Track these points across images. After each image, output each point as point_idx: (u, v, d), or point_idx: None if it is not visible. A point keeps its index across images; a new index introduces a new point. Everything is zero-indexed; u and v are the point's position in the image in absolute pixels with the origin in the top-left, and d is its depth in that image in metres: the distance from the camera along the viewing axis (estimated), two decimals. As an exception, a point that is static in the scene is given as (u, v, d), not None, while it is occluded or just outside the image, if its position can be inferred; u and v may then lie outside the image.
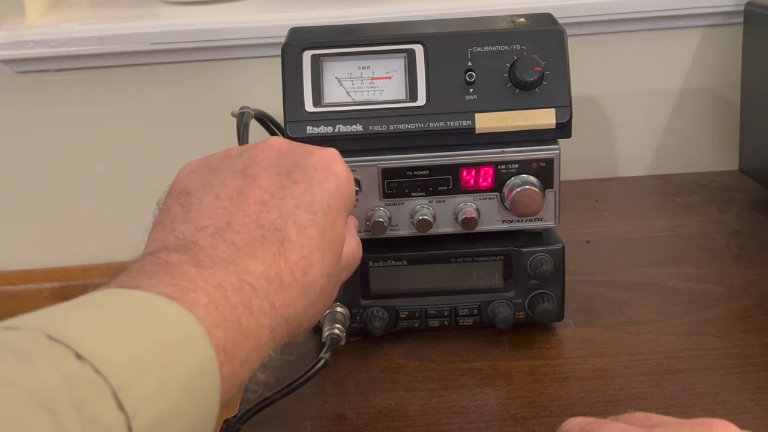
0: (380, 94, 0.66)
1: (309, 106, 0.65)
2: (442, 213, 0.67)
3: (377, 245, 0.69)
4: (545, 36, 0.66)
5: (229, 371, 0.39)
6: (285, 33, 0.69)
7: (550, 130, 0.65)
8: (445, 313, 0.69)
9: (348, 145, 0.65)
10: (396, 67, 0.66)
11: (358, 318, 0.69)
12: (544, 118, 0.65)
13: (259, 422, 0.61)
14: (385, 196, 0.67)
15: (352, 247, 0.54)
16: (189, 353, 0.37)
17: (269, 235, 0.45)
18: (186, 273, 0.41)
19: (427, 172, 0.66)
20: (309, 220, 0.46)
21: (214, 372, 0.38)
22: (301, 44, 0.66)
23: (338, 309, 0.68)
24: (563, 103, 0.65)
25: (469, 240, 0.69)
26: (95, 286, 0.42)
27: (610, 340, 0.70)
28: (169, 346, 0.37)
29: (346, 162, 0.65)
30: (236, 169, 0.48)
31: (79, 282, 1.04)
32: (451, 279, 0.69)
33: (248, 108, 0.85)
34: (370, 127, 0.65)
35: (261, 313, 0.42)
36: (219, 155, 0.51)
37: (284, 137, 0.67)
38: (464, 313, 0.70)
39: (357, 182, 0.66)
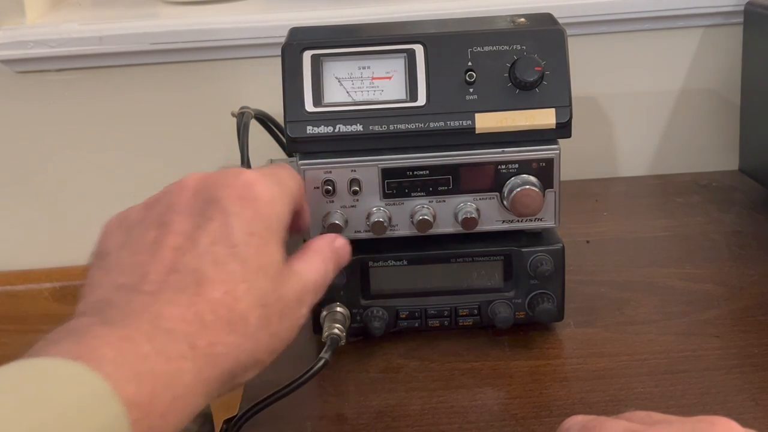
0: (380, 94, 0.66)
1: (309, 106, 0.65)
2: (442, 213, 0.67)
3: (377, 245, 0.69)
4: (545, 36, 0.66)
5: (146, 426, 0.37)
6: (285, 33, 0.69)
7: (550, 130, 0.65)
8: (445, 313, 0.69)
9: (348, 145, 0.65)
10: (396, 67, 0.66)
11: (358, 318, 0.69)
12: (544, 118, 0.65)
13: (259, 422, 0.61)
14: (385, 196, 0.67)
15: (312, 268, 0.51)
16: (95, 415, 0.35)
17: (185, 278, 0.43)
18: (93, 332, 0.39)
19: (427, 172, 0.66)
20: (228, 254, 0.44)
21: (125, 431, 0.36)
22: (301, 44, 0.66)
23: (338, 309, 0.68)
24: (563, 103, 0.65)
25: (469, 240, 0.69)
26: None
27: (610, 340, 0.70)
28: (72, 411, 0.35)
29: (346, 162, 0.66)
30: (152, 221, 0.47)
31: (79, 282, 1.03)
32: (451, 279, 0.69)
33: (248, 108, 0.85)
34: (370, 127, 0.65)
35: (180, 357, 0.40)
36: (138, 207, 0.50)
37: (284, 137, 0.67)
38: (464, 313, 0.70)
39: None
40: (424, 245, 0.69)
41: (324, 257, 0.53)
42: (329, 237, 0.54)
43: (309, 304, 0.50)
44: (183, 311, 0.41)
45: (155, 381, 0.39)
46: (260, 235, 0.46)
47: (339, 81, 0.66)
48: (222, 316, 0.43)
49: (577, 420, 0.45)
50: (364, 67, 0.66)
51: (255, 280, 0.45)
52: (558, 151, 0.66)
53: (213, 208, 0.46)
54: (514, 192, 0.65)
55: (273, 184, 0.49)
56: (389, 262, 0.69)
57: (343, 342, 0.66)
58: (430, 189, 0.66)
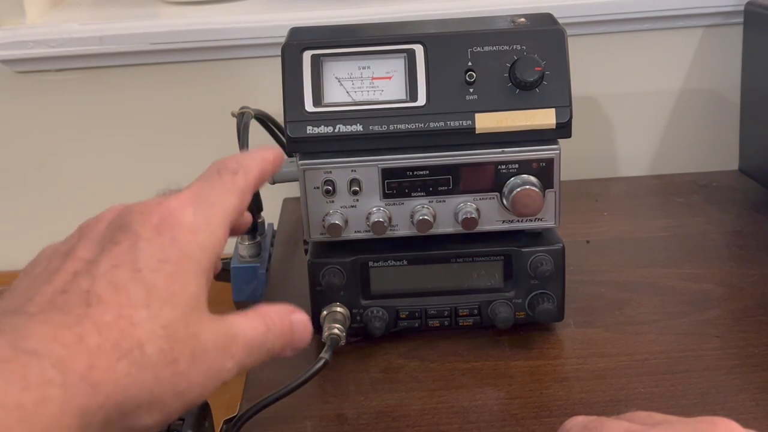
0: (380, 94, 0.66)
1: (309, 106, 0.65)
2: (442, 213, 0.67)
3: (377, 245, 0.69)
4: (545, 36, 0.66)
5: None
6: (285, 33, 0.69)
7: (550, 130, 0.65)
8: (445, 313, 0.69)
9: (348, 145, 0.65)
10: (396, 67, 0.66)
11: (358, 318, 0.69)
12: (544, 118, 0.65)
13: (259, 422, 0.61)
14: (385, 196, 0.66)
15: (249, 324, 0.44)
16: None
17: (73, 299, 0.38)
18: None
19: (427, 172, 0.66)
20: (131, 278, 0.39)
21: None
22: (301, 44, 0.66)
23: (338, 309, 0.68)
24: (563, 103, 0.65)
25: (469, 240, 0.69)
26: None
27: (610, 340, 0.70)
28: None
29: (346, 162, 0.66)
30: (62, 251, 0.43)
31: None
32: (451, 279, 0.69)
33: (248, 108, 0.85)
34: (370, 127, 0.65)
35: (44, 383, 0.34)
36: (66, 238, 0.46)
37: (284, 137, 0.67)
38: (464, 313, 0.70)
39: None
40: (424, 245, 0.69)
41: (268, 321, 0.45)
42: (286, 308, 0.47)
43: (237, 359, 0.43)
44: (59, 332, 0.36)
45: (4, 414, 0.32)
46: (175, 262, 0.41)
47: (339, 81, 0.66)
48: (111, 339, 0.37)
49: (578, 420, 0.45)
50: (364, 67, 0.66)
51: (160, 308, 0.39)
52: (558, 151, 0.66)
53: (122, 233, 0.41)
54: (514, 192, 0.65)
55: (201, 210, 0.43)
56: (389, 262, 0.69)
57: (343, 342, 0.66)
58: (430, 189, 0.66)
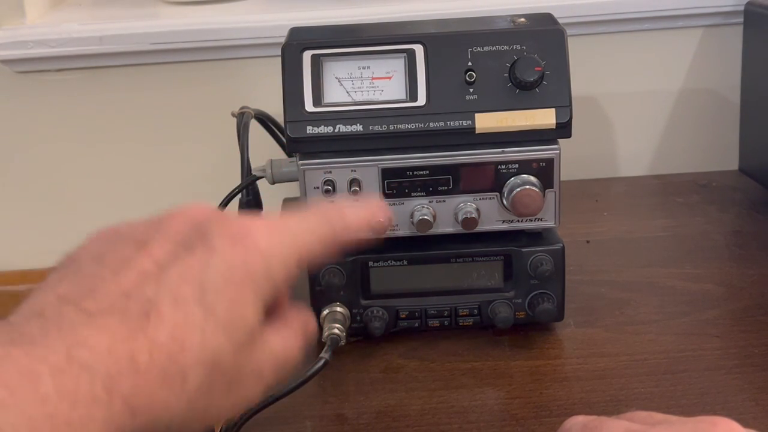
0: (380, 94, 0.66)
1: (309, 106, 0.65)
2: (442, 213, 0.67)
3: (377, 245, 0.69)
4: (545, 36, 0.66)
5: None
6: (285, 33, 0.69)
7: (550, 130, 0.65)
8: (445, 313, 0.69)
9: (348, 145, 0.65)
10: (396, 67, 0.66)
11: (358, 318, 0.69)
12: (544, 118, 0.65)
13: (259, 422, 0.61)
14: (385, 196, 0.66)
15: (285, 344, 0.43)
16: None
17: (134, 306, 0.36)
18: None
19: (427, 172, 0.66)
20: (193, 297, 0.38)
21: None
22: (301, 44, 0.66)
23: (338, 309, 0.68)
24: (563, 103, 0.65)
25: (469, 240, 0.69)
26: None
27: (610, 340, 0.70)
28: None
29: (346, 162, 0.66)
30: (136, 238, 0.41)
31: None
32: (451, 279, 0.69)
33: (248, 108, 0.85)
34: (370, 127, 0.65)
35: (91, 401, 0.33)
36: (134, 221, 0.43)
37: (284, 137, 0.67)
38: (464, 313, 0.70)
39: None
40: (424, 245, 0.69)
41: (291, 335, 0.44)
42: (307, 317, 0.46)
43: (267, 382, 0.42)
44: (114, 344, 0.35)
45: (52, 430, 0.32)
46: (238, 285, 0.39)
47: (339, 81, 0.66)
48: (159, 363, 0.36)
49: (577, 420, 0.45)
50: (364, 67, 0.66)
51: (214, 334, 0.38)
52: (558, 151, 0.66)
53: (200, 241, 0.40)
54: (514, 192, 0.65)
55: (280, 238, 0.42)
56: (389, 262, 0.69)
57: (343, 342, 0.66)
58: (430, 189, 0.66)
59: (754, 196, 0.94)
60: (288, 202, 1.00)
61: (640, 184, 1.02)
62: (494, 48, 0.66)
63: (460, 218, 0.66)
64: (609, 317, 0.73)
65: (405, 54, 0.66)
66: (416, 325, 0.70)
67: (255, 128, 0.83)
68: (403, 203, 0.67)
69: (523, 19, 0.68)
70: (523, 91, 0.65)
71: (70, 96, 1.01)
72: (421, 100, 0.65)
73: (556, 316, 0.69)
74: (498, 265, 0.69)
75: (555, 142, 0.66)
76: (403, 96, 0.66)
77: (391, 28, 0.72)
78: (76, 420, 0.33)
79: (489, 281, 0.69)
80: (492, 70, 0.65)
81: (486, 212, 0.67)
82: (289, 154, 0.72)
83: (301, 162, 0.66)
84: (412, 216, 0.67)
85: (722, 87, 1.04)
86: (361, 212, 0.46)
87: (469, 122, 0.65)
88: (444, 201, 0.67)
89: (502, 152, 0.66)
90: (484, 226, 0.67)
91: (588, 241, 0.86)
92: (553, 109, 0.65)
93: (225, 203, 0.79)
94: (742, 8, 0.93)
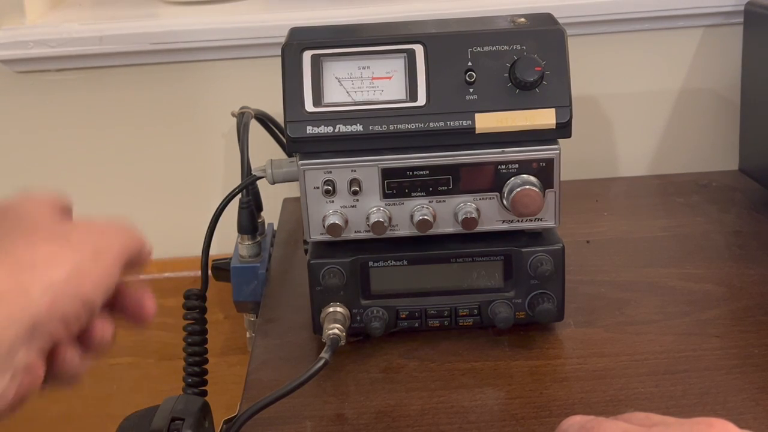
0: (380, 94, 0.66)
1: (309, 106, 0.65)
2: (442, 213, 0.67)
3: (377, 245, 0.69)
4: (545, 36, 0.66)
5: None
6: (285, 33, 0.69)
7: (550, 130, 0.65)
8: (445, 313, 0.69)
9: (348, 145, 0.65)
10: (396, 67, 0.66)
11: (358, 318, 0.69)
12: (544, 118, 0.65)
13: (259, 422, 0.61)
14: (385, 196, 0.66)
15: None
16: None
17: None
18: None
19: (427, 172, 0.66)
20: None
21: None
22: (301, 44, 0.66)
23: (338, 309, 0.68)
24: (563, 103, 0.65)
25: (469, 240, 0.69)
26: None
27: (610, 340, 0.70)
28: None
29: (346, 162, 0.66)
30: None
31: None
32: (451, 279, 0.69)
33: (248, 108, 0.85)
34: (370, 127, 0.65)
35: None
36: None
37: (284, 137, 0.67)
38: (464, 313, 0.70)
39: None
40: (424, 245, 0.69)
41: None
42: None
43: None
44: None
45: None
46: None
47: (339, 81, 0.66)
48: None
49: (575, 420, 0.45)
50: (364, 67, 0.66)
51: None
52: (558, 151, 0.66)
53: None
54: (514, 192, 0.65)
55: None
56: (389, 262, 0.69)
57: (343, 342, 0.66)
58: (430, 189, 0.66)
59: (754, 196, 0.94)
60: (288, 202, 1.00)
61: (640, 184, 1.02)
62: (494, 48, 0.66)
63: (460, 218, 0.66)
64: (609, 317, 0.73)
65: (405, 54, 0.66)
66: (416, 325, 0.70)
67: (255, 128, 0.83)
68: (403, 203, 0.67)
69: (523, 19, 0.68)
70: (523, 91, 0.65)
71: (70, 96, 1.01)
72: (421, 100, 0.65)
73: (556, 316, 0.69)
74: (498, 265, 0.69)
75: (555, 142, 0.66)
76: (403, 96, 0.66)
77: (391, 28, 0.72)
78: None
79: (489, 281, 0.69)
80: (492, 70, 0.65)
81: (486, 212, 0.67)
82: (289, 154, 0.72)
83: (301, 162, 0.66)
84: (412, 216, 0.67)
85: (722, 87, 1.04)
86: None
87: (469, 122, 0.65)
88: (444, 201, 0.67)
89: (502, 152, 0.66)
90: (484, 226, 0.67)
91: (588, 241, 0.86)
92: (553, 109, 0.65)
93: (225, 203, 0.79)
94: (742, 8, 0.93)
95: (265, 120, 0.87)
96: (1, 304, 0.38)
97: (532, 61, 0.65)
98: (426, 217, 0.66)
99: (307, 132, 0.65)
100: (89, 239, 0.44)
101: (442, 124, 0.65)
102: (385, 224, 0.66)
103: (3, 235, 0.43)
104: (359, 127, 0.65)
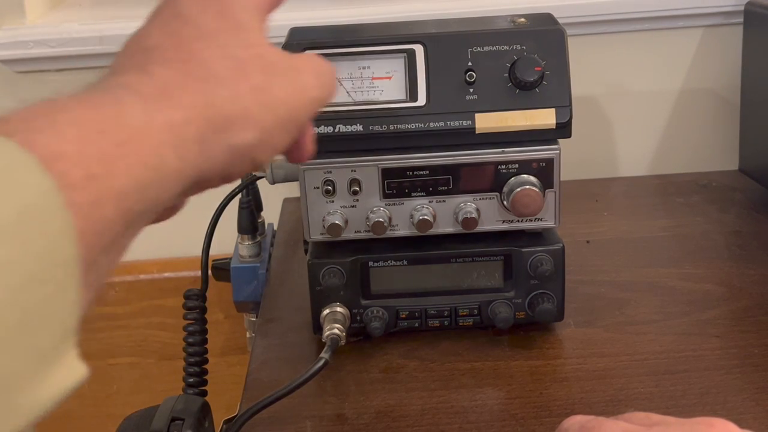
0: (380, 94, 0.66)
1: (309, 106, 0.65)
2: (442, 213, 0.67)
3: (377, 245, 0.69)
4: (545, 36, 0.66)
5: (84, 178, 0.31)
6: (285, 33, 0.69)
7: (550, 130, 0.65)
8: (445, 313, 0.69)
9: (348, 145, 0.65)
10: (396, 67, 0.66)
11: (358, 318, 0.69)
12: (544, 118, 0.65)
13: (259, 422, 0.61)
14: (385, 196, 0.66)
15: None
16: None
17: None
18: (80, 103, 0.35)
19: (427, 172, 0.66)
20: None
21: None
22: (301, 44, 0.66)
23: (338, 309, 0.68)
24: (563, 103, 0.65)
25: (469, 240, 0.69)
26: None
27: (610, 340, 0.70)
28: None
29: (346, 162, 0.66)
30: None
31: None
32: (451, 279, 0.69)
33: (248, 108, 0.85)
34: (370, 127, 0.65)
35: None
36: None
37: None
38: (464, 313, 0.70)
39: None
40: (424, 245, 0.69)
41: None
42: None
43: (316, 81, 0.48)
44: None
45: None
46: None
47: (339, 81, 0.66)
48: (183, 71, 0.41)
49: (575, 420, 0.45)
50: (364, 67, 0.66)
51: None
52: (558, 151, 0.66)
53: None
54: (514, 192, 0.65)
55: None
56: (389, 262, 0.69)
57: (343, 342, 0.66)
58: (430, 189, 0.66)
59: (754, 196, 0.94)
60: (288, 202, 1.00)
61: (640, 184, 1.02)
62: (494, 48, 0.66)
63: (460, 218, 0.66)
64: (609, 317, 0.73)
65: (405, 54, 0.66)
66: (416, 325, 0.70)
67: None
68: (403, 203, 0.67)
69: (523, 19, 0.68)
70: (523, 91, 0.65)
71: (70, 96, 1.01)
72: (421, 100, 0.65)
73: (556, 316, 0.69)
74: (498, 265, 0.69)
75: (555, 142, 0.66)
76: (403, 96, 0.66)
77: (391, 28, 0.72)
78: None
79: (489, 281, 0.69)
80: (492, 70, 0.65)
81: (486, 212, 0.67)
82: (289, 154, 0.71)
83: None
84: (412, 216, 0.67)
85: (722, 87, 1.04)
86: None
87: (469, 122, 0.65)
88: (444, 201, 0.67)
89: (502, 152, 0.66)
90: (484, 226, 0.67)
91: (588, 241, 0.86)
92: (553, 109, 0.65)
93: (225, 203, 0.79)
94: (742, 8, 0.93)
95: (265, 120, 0.87)
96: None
97: (532, 61, 0.65)
98: (426, 217, 0.66)
99: (307, 132, 0.65)
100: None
101: (442, 124, 0.65)
102: (385, 224, 0.66)
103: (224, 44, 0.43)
104: (359, 127, 0.65)
